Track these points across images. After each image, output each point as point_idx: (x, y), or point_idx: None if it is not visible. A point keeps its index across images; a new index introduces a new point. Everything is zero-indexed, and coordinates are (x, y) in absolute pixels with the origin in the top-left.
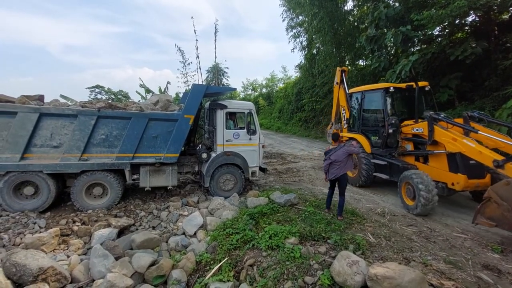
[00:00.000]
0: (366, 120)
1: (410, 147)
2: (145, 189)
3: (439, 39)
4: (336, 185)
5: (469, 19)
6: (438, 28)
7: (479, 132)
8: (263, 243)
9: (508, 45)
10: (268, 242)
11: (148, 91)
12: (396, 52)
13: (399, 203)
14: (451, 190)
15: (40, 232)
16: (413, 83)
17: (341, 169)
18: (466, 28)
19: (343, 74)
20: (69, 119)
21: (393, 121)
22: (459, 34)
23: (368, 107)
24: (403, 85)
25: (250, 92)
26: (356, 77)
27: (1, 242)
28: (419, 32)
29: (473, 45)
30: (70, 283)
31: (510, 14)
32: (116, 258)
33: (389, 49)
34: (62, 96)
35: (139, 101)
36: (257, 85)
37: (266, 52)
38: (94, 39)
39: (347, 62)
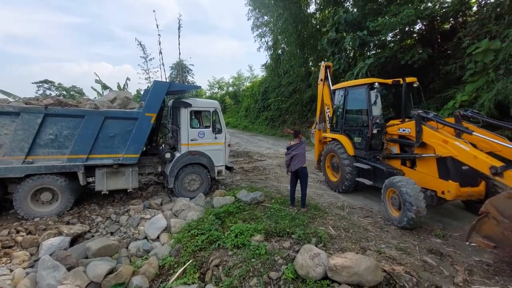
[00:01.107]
0: (349, 119)
1: (396, 149)
2: (102, 192)
3: (392, 44)
4: (298, 180)
5: (417, 27)
6: (390, 34)
7: (473, 133)
8: (229, 242)
9: (449, 52)
10: (234, 241)
11: (105, 87)
12: (355, 55)
13: (358, 196)
14: (441, 199)
15: None
16: (400, 79)
17: (300, 163)
18: (414, 35)
19: (328, 70)
20: (9, 117)
21: (377, 121)
22: (409, 40)
23: (351, 105)
24: (389, 80)
25: (216, 90)
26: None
27: None
28: (374, 37)
29: (420, 51)
30: None
31: (450, 24)
32: (69, 269)
33: (348, 52)
34: (1, 91)
35: (95, 98)
36: (223, 84)
37: (233, 50)
38: (44, 30)
39: (310, 63)
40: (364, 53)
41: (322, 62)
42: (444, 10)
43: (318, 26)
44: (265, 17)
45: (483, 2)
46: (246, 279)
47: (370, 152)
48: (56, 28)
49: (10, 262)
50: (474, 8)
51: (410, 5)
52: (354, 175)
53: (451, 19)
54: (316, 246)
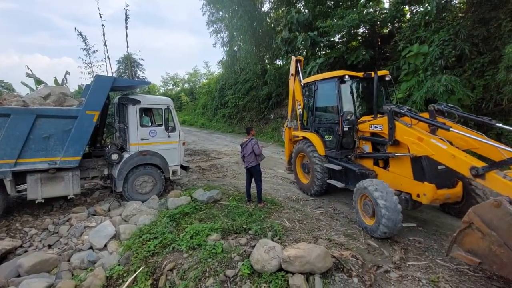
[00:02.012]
0: (319, 116)
1: (368, 148)
2: (37, 201)
3: (339, 45)
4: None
5: (360, 30)
6: (338, 35)
7: (451, 129)
8: (184, 244)
9: (388, 54)
10: (190, 243)
11: (39, 82)
12: (307, 54)
13: (294, 179)
14: (416, 203)
15: None
16: (371, 72)
17: (248, 162)
18: (359, 37)
19: (298, 64)
20: None
21: (348, 117)
22: (354, 42)
23: (321, 100)
24: (360, 74)
25: (171, 87)
26: (274, 75)
27: None
28: (324, 38)
29: (364, 53)
30: None
31: (389, 29)
32: None
33: (301, 51)
34: None
35: (27, 94)
36: (178, 80)
37: (187, 45)
38: None
39: (266, 61)
40: (315, 53)
41: (293, 56)
42: (383, 15)
43: (272, 25)
44: (220, 13)
45: (414, 10)
46: (202, 280)
47: (342, 151)
48: None
49: None
50: (408, 16)
51: (354, 9)
52: (325, 176)
53: (389, 24)
54: (272, 239)
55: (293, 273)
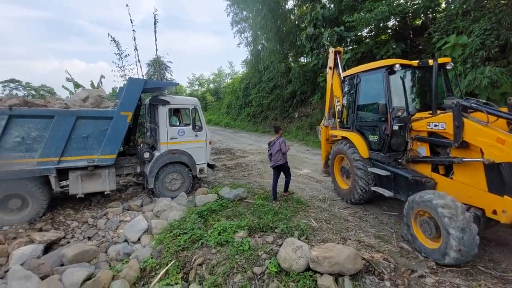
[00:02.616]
0: (362, 113)
1: (424, 150)
2: (77, 196)
3: (367, 40)
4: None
5: (390, 23)
6: (366, 29)
7: None
8: (212, 240)
9: (421, 47)
10: (217, 239)
11: (77, 85)
12: None
13: (331, 184)
14: (492, 221)
15: None
16: (429, 59)
17: (276, 161)
18: (388, 31)
19: (338, 56)
20: None
21: (398, 114)
22: (383, 36)
23: (365, 95)
24: (413, 62)
25: (196, 87)
26: (298, 73)
27: None
28: (351, 33)
29: (394, 46)
30: None
31: (422, 20)
32: (43, 278)
33: (326, 47)
34: None
35: (67, 97)
36: (203, 81)
37: (212, 46)
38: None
39: (290, 59)
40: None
41: (331, 47)
42: (415, 6)
43: (296, 22)
44: (244, 13)
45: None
46: (230, 276)
47: (390, 154)
48: (17, 23)
49: None
50: (443, 5)
51: (383, 1)
52: (369, 183)
53: (422, 15)
54: (298, 239)
55: (321, 274)
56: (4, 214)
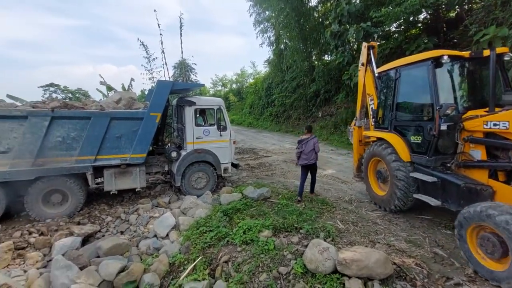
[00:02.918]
0: (402, 111)
1: (479, 154)
2: (111, 192)
3: (396, 35)
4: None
5: (421, 16)
6: (394, 24)
7: None
8: (238, 238)
9: (455, 40)
10: (243, 237)
11: (110, 88)
12: (359, 47)
13: (364, 190)
14: None
15: None
16: (485, 50)
17: (308, 160)
18: (419, 25)
19: (372, 52)
20: (17, 121)
21: (448, 112)
22: (413, 30)
23: (406, 91)
24: (465, 53)
25: (220, 88)
26: (322, 72)
27: None
28: (378, 29)
29: (425, 41)
30: None
31: (456, 12)
32: (81, 268)
33: (351, 44)
34: (8, 96)
35: (101, 99)
36: (226, 81)
37: (235, 47)
38: (45, 33)
39: (313, 57)
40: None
41: (364, 42)
42: None
43: (320, 19)
44: (267, 12)
45: None
46: (255, 275)
47: (437, 157)
48: (57, 31)
49: (23, 263)
50: None
51: None
52: (411, 189)
53: (457, 6)
54: (324, 240)
55: (349, 277)
56: (47, 208)
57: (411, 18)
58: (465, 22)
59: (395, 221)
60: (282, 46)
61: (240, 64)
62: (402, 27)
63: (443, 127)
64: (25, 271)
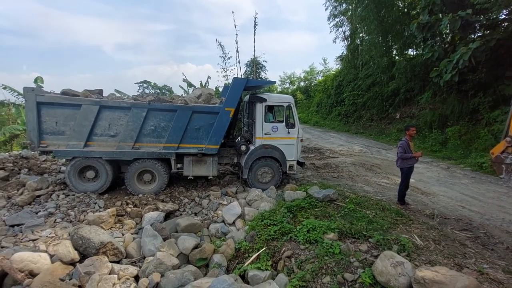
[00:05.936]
0: None
1: None
2: (188, 177)
3: (506, 23)
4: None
5: None
6: (504, 11)
7: None
8: (301, 236)
9: None
10: (306, 236)
11: (190, 85)
12: (453, 39)
13: (452, 205)
14: None
15: (99, 211)
16: None
17: (396, 162)
18: None
19: None
20: (124, 111)
21: None
22: None
23: None
24: None
25: (287, 85)
26: (404, 68)
27: (68, 218)
28: (481, 17)
29: None
30: (125, 257)
31: None
32: (164, 239)
33: (444, 36)
34: (116, 90)
35: (182, 94)
36: (294, 79)
37: (305, 44)
38: (142, 37)
39: (394, 52)
40: (467, 36)
41: None
42: None
43: (405, 10)
44: (343, 5)
45: None
46: (318, 275)
47: None
48: (150, 35)
49: (122, 228)
50: None
51: None
52: None
53: None
54: (398, 254)
55: None
56: (140, 185)
57: None
58: None
59: (491, 246)
60: (358, 41)
61: (309, 61)
62: None
63: None
64: (122, 234)
